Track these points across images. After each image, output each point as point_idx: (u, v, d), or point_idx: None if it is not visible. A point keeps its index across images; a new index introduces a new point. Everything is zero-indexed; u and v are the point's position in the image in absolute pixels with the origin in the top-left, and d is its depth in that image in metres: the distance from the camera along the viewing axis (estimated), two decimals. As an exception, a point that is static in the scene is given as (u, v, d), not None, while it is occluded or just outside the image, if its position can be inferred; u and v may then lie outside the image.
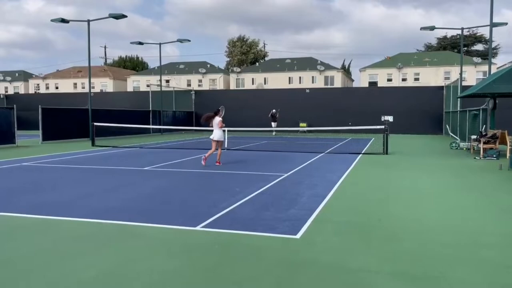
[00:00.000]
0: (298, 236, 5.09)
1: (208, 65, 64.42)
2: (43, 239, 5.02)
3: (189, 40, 29.97)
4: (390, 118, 25.09)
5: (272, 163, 12.43)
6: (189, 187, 8.64)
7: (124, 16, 23.06)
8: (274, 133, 28.96)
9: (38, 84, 69.71)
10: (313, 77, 55.57)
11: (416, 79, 51.51)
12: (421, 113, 29.85)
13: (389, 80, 52.64)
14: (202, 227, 5.47)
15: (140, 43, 31.24)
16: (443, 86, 30.50)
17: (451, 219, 6.02)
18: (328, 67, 56.96)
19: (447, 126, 20.78)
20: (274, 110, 29.43)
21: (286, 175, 10.02)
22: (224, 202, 6.86)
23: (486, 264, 4.21)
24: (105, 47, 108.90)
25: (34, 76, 73.92)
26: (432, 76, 50.04)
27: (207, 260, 4.28)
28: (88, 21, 23.40)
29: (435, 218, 6.01)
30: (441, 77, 48.85)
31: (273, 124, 28.57)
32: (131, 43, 31.38)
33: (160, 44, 31.48)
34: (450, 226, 5.60)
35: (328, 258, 4.34)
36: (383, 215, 6.16)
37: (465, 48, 60.69)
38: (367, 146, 19.09)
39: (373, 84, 51.86)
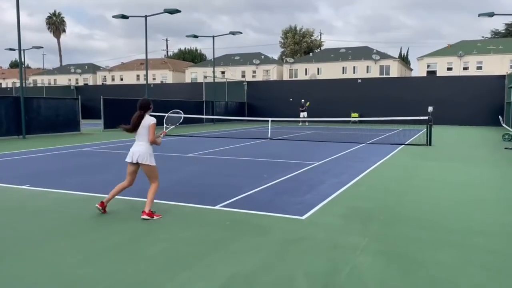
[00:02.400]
0: (303, 217, 5.56)
1: (262, 56, 65.09)
2: (81, 212, 5.89)
3: (241, 32, 30.76)
4: (430, 108, 24.39)
5: (309, 153, 12.82)
6: (222, 172, 9.32)
7: (178, 11, 24.28)
8: (306, 123, 29.34)
9: (105, 76, 74.27)
10: (367, 66, 54.42)
11: (479, 68, 48.73)
12: (480, 103, 28.52)
13: (449, 69, 50.27)
14: (221, 206, 6.10)
15: (195, 37, 32.45)
16: (505, 75, 28.87)
17: (461, 209, 6.16)
18: (384, 56, 55.44)
19: (500, 117, 19.83)
20: (303, 100, 30.39)
21: (317, 163, 10.41)
22: (248, 187, 7.44)
23: (471, 249, 4.45)
24: (166, 40, 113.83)
25: (101, 68, 78.79)
26: (496, 65, 47.09)
27: (215, 233, 4.89)
28: (146, 16, 24.87)
29: (445, 208, 6.19)
30: (506, 66, 45.87)
31: (304, 114, 29.27)
32: (187, 36, 32.64)
33: (213, 37, 32.53)
34: (455, 216, 5.78)
35: (322, 236, 4.78)
36: (394, 203, 6.44)
37: (538, 34, 56.34)
38: (414, 137, 18.81)
39: (431, 73, 49.82)
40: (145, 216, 5.41)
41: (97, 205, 5.75)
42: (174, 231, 5.01)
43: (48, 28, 78.69)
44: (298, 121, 29.09)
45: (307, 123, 29.27)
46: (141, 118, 5.68)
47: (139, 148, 5.64)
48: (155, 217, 5.45)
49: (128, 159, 5.69)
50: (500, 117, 20.52)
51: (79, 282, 3.56)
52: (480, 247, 4.49)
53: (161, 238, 4.76)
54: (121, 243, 4.58)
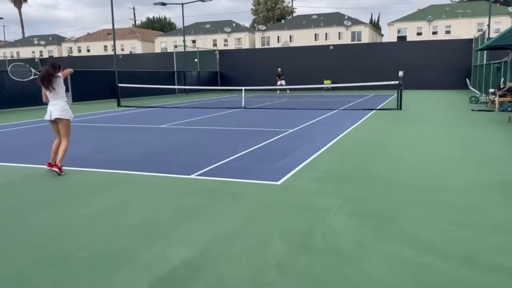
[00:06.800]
0: (279, 182, 5.63)
1: (234, 24, 63.90)
2: (52, 185, 5.78)
3: (211, -1, 29.95)
4: (401, 73, 24.86)
5: (283, 120, 12.87)
6: (196, 142, 9.27)
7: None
8: (287, 91, 29.56)
9: (70, 48, 71.53)
10: (339, 33, 54.32)
11: (448, 32, 49.45)
12: (449, 67, 29.12)
13: (419, 34, 50.77)
14: (197, 175, 6.09)
15: (163, 4, 31.45)
16: (472, 39, 29.43)
17: (430, 168, 6.36)
18: (356, 22, 55.36)
19: (467, 80, 20.35)
20: (280, 69, 30.63)
21: (291, 130, 10.48)
22: (223, 155, 7.43)
23: (440, 205, 4.63)
24: (133, 8, 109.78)
25: (66, 39, 75.70)
26: (464, 29, 47.85)
27: (191, 201, 4.90)
28: (110, -17, 23.79)
29: (415, 168, 6.38)
30: (474, 30, 46.65)
31: (281, 82, 29.53)
32: (155, 4, 31.59)
33: (182, 4, 31.57)
34: (425, 175, 5.97)
35: (297, 199, 4.87)
36: (367, 165, 6.59)
37: (504, -3, 57.28)
38: (386, 102, 19.13)
39: (402, 38, 50.25)
40: (55, 169, 6.18)
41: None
42: (149, 201, 4.98)
43: (7, -2, 74.55)
44: (276, 89, 29.12)
45: (287, 91, 29.36)
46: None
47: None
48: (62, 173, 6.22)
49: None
50: (467, 80, 21.04)
51: (59, 252, 3.52)
52: (449, 203, 4.68)
53: (136, 208, 4.73)
54: (95, 214, 4.53)
